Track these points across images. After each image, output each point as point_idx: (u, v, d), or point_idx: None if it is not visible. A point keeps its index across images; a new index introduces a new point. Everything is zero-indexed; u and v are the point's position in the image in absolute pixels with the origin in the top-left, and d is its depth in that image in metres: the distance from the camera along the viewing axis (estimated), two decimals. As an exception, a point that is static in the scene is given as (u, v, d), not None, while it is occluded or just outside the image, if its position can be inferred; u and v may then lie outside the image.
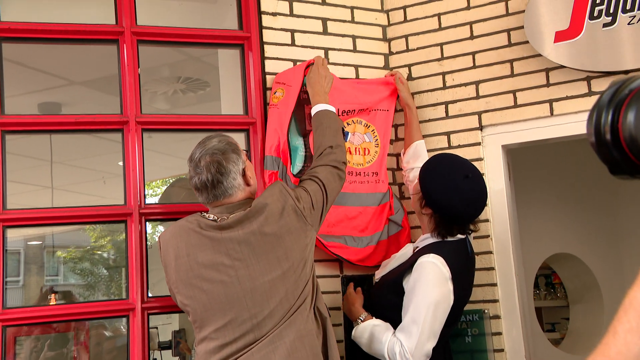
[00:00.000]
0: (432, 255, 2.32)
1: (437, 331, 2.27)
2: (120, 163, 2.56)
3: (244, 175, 2.21)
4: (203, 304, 2.10)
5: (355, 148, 2.82)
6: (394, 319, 2.32)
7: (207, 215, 2.18)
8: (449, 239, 2.40)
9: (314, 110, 2.50)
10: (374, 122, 2.86)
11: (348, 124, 2.81)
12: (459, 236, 2.41)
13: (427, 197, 2.41)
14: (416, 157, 2.76)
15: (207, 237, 2.12)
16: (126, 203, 2.53)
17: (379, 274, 2.55)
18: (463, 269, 2.40)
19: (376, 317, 2.38)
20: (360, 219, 2.75)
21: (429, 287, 2.27)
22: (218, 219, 2.15)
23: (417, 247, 2.46)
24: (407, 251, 2.50)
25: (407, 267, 2.37)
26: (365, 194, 2.79)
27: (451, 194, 2.35)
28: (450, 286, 2.30)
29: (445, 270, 2.29)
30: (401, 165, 2.88)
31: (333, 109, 2.51)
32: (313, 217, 2.19)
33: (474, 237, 2.66)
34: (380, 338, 2.29)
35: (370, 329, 2.34)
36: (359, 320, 2.39)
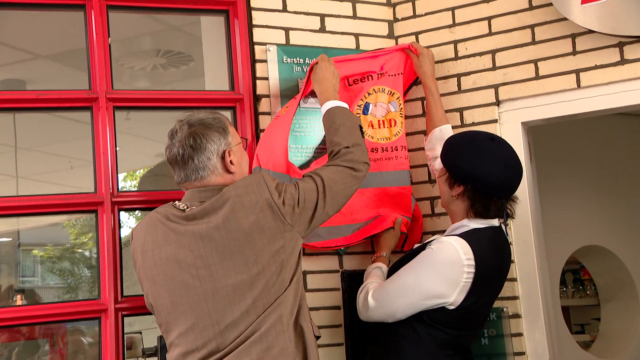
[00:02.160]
0: (455, 237, 2.30)
1: (412, 311, 2.29)
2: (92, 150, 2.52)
3: (223, 157, 2.15)
4: (167, 305, 2.08)
5: (379, 121, 2.76)
6: None
7: (177, 204, 2.16)
8: (484, 224, 2.36)
9: (323, 109, 2.44)
10: (397, 88, 2.79)
11: (369, 94, 2.75)
12: (494, 223, 2.38)
13: (455, 171, 2.38)
14: (442, 143, 2.66)
15: (172, 229, 2.09)
16: (96, 191, 2.50)
17: None
18: (496, 264, 2.36)
19: None
20: (385, 199, 2.73)
21: (431, 267, 2.27)
22: (187, 207, 2.12)
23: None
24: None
25: (422, 248, 2.36)
26: (393, 172, 2.76)
27: (481, 159, 2.34)
28: (461, 279, 2.25)
29: (465, 259, 2.25)
30: (425, 152, 2.80)
31: (345, 105, 2.43)
32: (296, 217, 2.08)
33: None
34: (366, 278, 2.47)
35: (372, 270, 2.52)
36: (373, 258, 2.59)
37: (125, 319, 2.46)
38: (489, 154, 2.35)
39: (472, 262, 2.26)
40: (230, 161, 2.16)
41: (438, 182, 2.54)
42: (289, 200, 2.08)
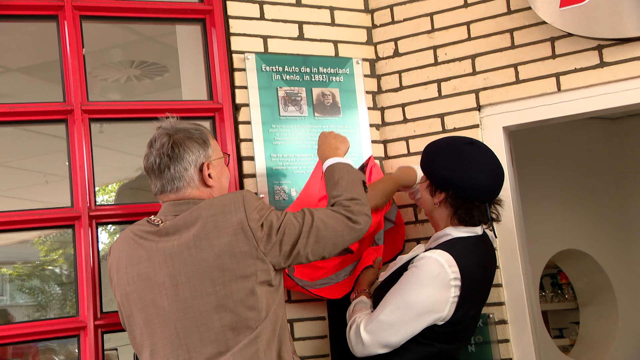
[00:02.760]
0: (439, 251, 2.24)
1: (407, 334, 2.21)
2: (67, 163, 2.47)
3: (201, 170, 2.10)
4: (139, 324, 2.04)
5: None
6: None
7: (152, 219, 2.11)
8: (467, 233, 2.32)
9: (324, 168, 2.31)
10: None
11: None
12: (478, 231, 2.34)
13: (436, 178, 2.35)
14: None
15: (144, 247, 2.05)
16: (73, 205, 2.44)
17: (382, 277, 2.47)
18: (481, 275, 2.31)
19: None
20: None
21: (419, 286, 2.20)
22: (161, 222, 2.07)
23: (429, 247, 2.35)
24: (417, 252, 2.39)
25: (408, 262, 2.31)
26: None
27: (460, 164, 2.30)
28: (450, 293, 2.20)
29: (450, 272, 2.20)
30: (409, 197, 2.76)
31: (348, 161, 2.29)
32: (270, 246, 1.98)
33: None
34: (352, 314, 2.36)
35: (355, 305, 2.39)
36: (354, 295, 2.47)
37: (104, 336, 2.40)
38: (468, 158, 2.32)
39: (458, 276, 2.21)
40: (209, 175, 2.10)
41: (421, 193, 2.49)
42: (267, 226, 1.99)
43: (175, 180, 2.08)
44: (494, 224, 2.37)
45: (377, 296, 2.38)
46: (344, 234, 2.11)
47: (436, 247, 2.27)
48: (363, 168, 2.68)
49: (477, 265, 2.29)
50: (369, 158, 2.74)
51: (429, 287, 2.20)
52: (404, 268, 2.31)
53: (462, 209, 2.31)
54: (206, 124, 2.62)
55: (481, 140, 2.74)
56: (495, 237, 2.39)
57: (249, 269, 1.96)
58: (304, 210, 2.09)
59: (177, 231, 2.01)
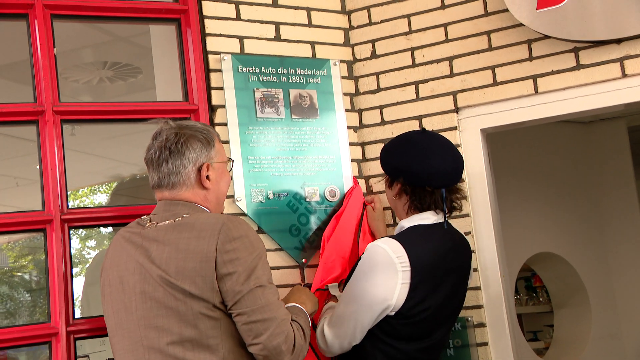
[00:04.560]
0: (384, 239, 2.26)
1: (364, 326, 2.21)
2: (38, 167, 2.41)
3: (199, 170, 2.07)
4: (112, 327, 2.05)
5: None
6: None
7: (143, 219, 2.10)
8: (420, 221, 2.31)
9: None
10: None
11: None
12: (430, 219, 2.32)
13: (388, 169, 2.40)
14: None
15: (126, 250, 2.05)
16: (44, 208, 2.38)
17: None
18: (436, 263, 2.27)
19: None
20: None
21: (364, 275, 2.21)
22: (149, 221, 2.05)
23: None
24: None
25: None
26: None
27: (409, 150, 2.35)
28: (397, 279, 2.18)
29: (395, 257, 2.19)
30: None
31: (305, 312, 2.12)
32: (223, 288, 1.91)
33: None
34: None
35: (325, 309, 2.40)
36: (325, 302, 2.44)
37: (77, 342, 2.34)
38: (419, 145, 2.36)
39: (406, 261, 2.19)
40: (207, 176, 2.09)
41: (386, 191, 2.48)
42: (234, 270, 1.91)
43: (172, 175, 2.06)
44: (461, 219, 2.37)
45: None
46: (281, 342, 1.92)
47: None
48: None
49: (428, 252, 2.26)
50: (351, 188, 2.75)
51: (375, 275, 2.20)
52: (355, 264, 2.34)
53: (416, 196, 2.33)
54: (188, 120, 2.58)
55: (459, 143, 2.74)
56: (446, 227, 2.33)
57: (204, 302, 1.92)
58: (290, 312, 2.00)
59: (155, 241, 1.99)
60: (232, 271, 1.91)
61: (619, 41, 2.52)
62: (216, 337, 1.92)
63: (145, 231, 2.03)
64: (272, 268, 2.54)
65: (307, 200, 2.69)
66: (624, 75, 2.54)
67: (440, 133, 2.73)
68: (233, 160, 2.25)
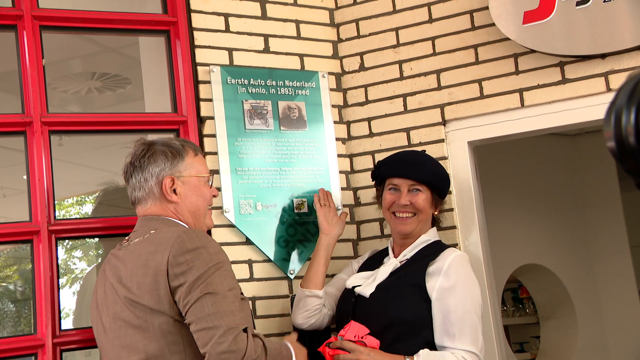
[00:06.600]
0: (454, 249, 2.42)
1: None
2: (26, 177, 2.40)
3: (161, 184, 2.05)
4: (99, 349, 2.08)
5: None
6: (414, 330, 2.27)
7: (125, 238, 2.13)
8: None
9: None
10: None
11: None
12: None
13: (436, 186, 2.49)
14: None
15: (105, 270, 2.07)
16: (32, 219, 2.37)
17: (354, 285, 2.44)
18: None
19: (386, 331, 2.25)
20: None
21: (474, 285, 2.36)
22: (125, 241, 2.08)
23: (416, 249, 2.42)
24: (392, 261, 2.43)
25: (424, 268, 2.34)
26: None
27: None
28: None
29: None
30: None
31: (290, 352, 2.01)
32: (183, 300, 1.88)
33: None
34: None
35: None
36: None
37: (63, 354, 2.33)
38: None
39: None
40: (174, 190, 2.06)
41: (424, 207, 2.48)
42: (186, 281, 1.87)
43: (136, 189, 2.08)
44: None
45: (382, 305, 2.32)
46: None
47: (440, 248, 2.42)
48: None
49: None
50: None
51: (476, 282, 2.41)
52: (418, 275, 2.33)
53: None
54: (170, 137, 2.58)
55: (447, 155, 2.76)
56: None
57: (162, 316, 1.91)
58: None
59: (124, 260, 2.01)
60: (182, 282, 1.87)
61: (603, 56, 2.54)
62: (179, 352, 1.90)
63: (120, 251, 2.05)
64: (260, 279, 2.56)
65: (295, 211, 2.70)
66: (609, 89, 2.56)
67: (427, 145, 2.78)
68: (212, 175, 2.19)
